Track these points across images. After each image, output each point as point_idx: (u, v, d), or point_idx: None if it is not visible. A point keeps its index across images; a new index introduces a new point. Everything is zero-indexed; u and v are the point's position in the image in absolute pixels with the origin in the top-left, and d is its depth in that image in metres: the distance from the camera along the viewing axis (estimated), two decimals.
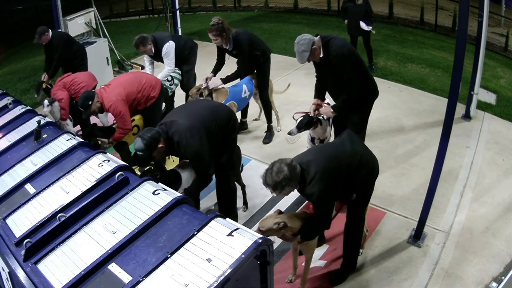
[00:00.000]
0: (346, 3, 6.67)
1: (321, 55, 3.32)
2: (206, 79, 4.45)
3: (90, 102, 3.73)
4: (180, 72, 5.06)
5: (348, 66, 3.30)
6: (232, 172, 3.52)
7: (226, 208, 3.49)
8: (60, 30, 6.11)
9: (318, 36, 3.30)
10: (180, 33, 8.07)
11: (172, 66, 4.79)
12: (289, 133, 3.66)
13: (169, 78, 4.95)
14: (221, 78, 4.42)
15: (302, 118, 3.58)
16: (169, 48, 4.72)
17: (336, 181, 2.64)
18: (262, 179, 2.58)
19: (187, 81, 5.09)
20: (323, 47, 3.30)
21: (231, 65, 4.57)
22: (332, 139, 4.07)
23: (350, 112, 3.54)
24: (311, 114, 3.58)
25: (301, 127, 3.59)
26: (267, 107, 4.82)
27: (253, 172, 4.32)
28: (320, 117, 3.64)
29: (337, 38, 3.35)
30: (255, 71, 4.64)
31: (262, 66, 4.56)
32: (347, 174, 2.69)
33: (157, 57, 4.85)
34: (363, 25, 6.33)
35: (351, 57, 3.33)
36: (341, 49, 3.27)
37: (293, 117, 3.65)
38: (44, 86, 5.18)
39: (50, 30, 5.26)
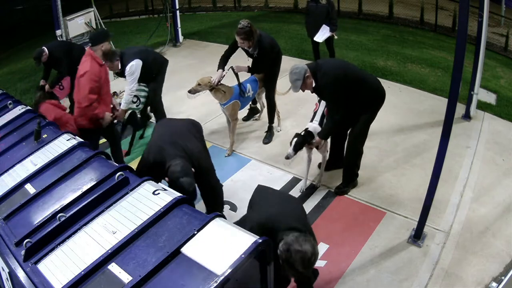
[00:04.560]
0: (309, 3, 6.29)
1: (313, 85, 3.47)
2: (233, 68, 4.43)
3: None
4: (146, 86, 4.71)
5: (334, 92, 3.45)
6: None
7: (214, 203, 3.37)
8: (59, 38, 6.04)
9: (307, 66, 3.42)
10: (180, 33, 8.08)
11: (131, 85, 4.36)
12: (287, 157, 3.65)
13: (134, 100, 4.57)
14: (248, 66, 4.43)
15: (296, 139, 3.66)
16: (133, 67, 4.31)
17: None
18: None
19: (153, 99, 4.75)
20: (313, 76, 3.43)
21: (240, 57, 4.58)
22: (329, 145, 4.08)
23: (360, 114, 3.65)
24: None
25: (297, 148, 3.66)
26: (272, 107, 4.82)
27: (253, 172, 4.33)
28: (310, 130, 3.74)
29: (324, 66, 3.44)
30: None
31: (274, 66, 4.57)
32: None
33: (123, 74, 4.46)
34: (318, 36, 6.12)
35: (340, 82, 3.42)
36: (327, 78, 3.40)
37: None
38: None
39: (44, 48, 5.12)
